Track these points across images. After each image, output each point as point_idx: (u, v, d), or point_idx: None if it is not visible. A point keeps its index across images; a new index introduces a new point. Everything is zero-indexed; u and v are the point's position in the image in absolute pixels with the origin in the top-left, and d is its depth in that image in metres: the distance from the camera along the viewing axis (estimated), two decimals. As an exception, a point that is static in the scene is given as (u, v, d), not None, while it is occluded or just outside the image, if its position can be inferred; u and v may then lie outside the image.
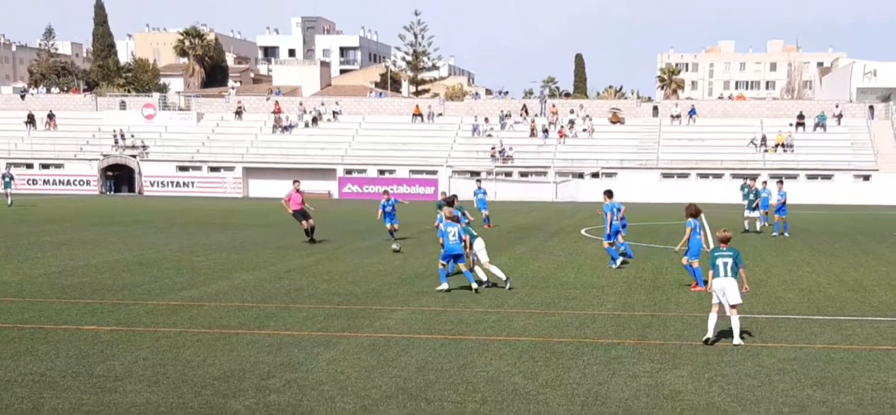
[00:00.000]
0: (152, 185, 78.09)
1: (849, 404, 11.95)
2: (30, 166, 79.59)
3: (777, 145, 76.64)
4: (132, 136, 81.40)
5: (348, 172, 77.43)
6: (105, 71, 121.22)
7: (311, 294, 20.93)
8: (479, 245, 22.62)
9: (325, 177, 75.95)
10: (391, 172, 76.11)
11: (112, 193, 78.70)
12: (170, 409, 11.38)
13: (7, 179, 58.86)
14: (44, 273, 24.11)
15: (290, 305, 19.45)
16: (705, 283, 18.86)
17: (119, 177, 79.97)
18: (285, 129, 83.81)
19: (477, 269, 22.48)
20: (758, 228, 39.21)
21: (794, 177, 73.45)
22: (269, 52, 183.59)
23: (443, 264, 21.69)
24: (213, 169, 78.49)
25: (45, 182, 78.59)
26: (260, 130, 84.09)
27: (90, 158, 79.64)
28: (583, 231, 39.57)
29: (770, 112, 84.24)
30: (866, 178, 73.43)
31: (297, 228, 34.82)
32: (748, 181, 40.72)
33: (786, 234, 37.65)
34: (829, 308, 19.71)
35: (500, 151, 76.79)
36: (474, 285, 21.30)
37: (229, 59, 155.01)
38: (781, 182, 40.58)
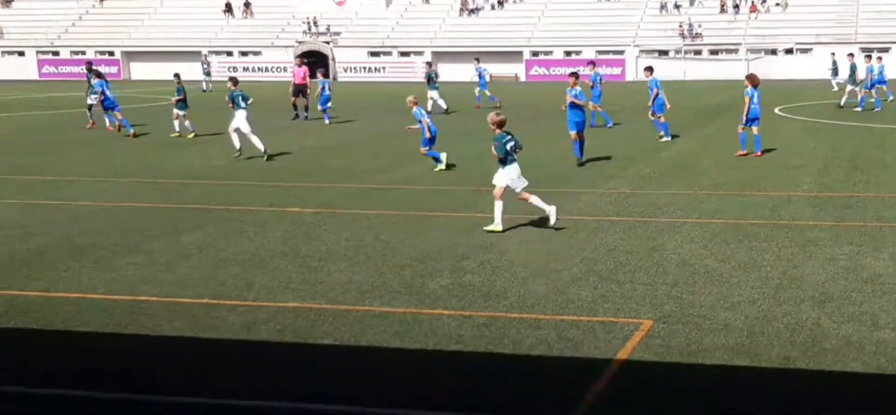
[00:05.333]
0: (346, 71, 79.77)
1: None
2: (230, 54, 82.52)
3: None
4: (325, 22, 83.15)
5: (534, 54, 77.10)
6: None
7: (501, 177, 21.23)
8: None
9: (511, 60, 75.83)
10: (577, 53, 75.32)
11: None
12: (371, 288, 11.98)
13: (206, 68, 61.97)
14: (249, 156, 25.26)
15: (481, 187, 19.82)
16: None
17: (313, 64, 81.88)
18: (472, 12, 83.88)
19: None
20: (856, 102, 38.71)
21: None
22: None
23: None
24: (403, 54, 79.52)
25: (245, 69, 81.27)
26: (447, 13, 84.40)
27: (286, 45, 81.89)
28: (776, 110, 38.40)
29: None
30: None
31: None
32: (848, 56, 41.68)
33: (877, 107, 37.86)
34: None
35: (688, 29, 74.76)
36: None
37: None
38: (871, 58, 39.42)
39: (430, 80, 40.51)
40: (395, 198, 18.92)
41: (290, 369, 9.34)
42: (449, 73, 76.03)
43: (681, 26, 75.29)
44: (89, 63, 38.60)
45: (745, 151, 24.05)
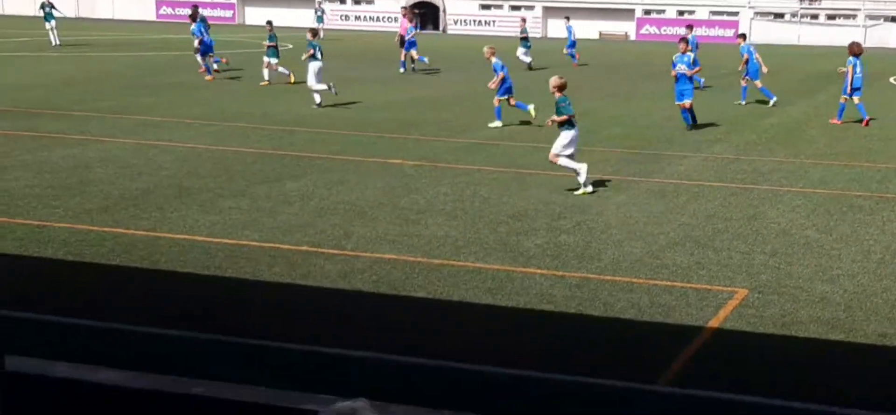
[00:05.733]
0: (456, 23, 79.69)
1: None
2: (343, 2, 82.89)
3: None
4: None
5: (647, 12, 75.89)
6: None
7: (602, 138, 21.14)
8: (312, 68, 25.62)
9: (622, 17, 74.84)
10: (690, 12, 73.90)
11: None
12: (466, 243, 12.08)
13: (319, 15, 62.48)
14: (351, 105, 25.49)
15: (582, 148, 19.70)
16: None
17: (424, 15, 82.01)
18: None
19: None
20: None
21: None
22: None
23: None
24: (513, 7, 79.04)
25: (357, 18, 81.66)
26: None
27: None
28: (892, 79, 37.23)
29: None
30: None
31: (600, 73, 34.77)
32: None
33: None
34: None
35: (807, -9, 72.64)
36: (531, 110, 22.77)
37: None
38: None
39: (525, 39, 40.46)
40: (494, 153, 18.98)
41: (382, 320, 9.51)
42: (560, 29, 75.44)
43: (799, -12, 73.22)
44: (195, 6, 39.20)
45: (840, 120, 23.81)
